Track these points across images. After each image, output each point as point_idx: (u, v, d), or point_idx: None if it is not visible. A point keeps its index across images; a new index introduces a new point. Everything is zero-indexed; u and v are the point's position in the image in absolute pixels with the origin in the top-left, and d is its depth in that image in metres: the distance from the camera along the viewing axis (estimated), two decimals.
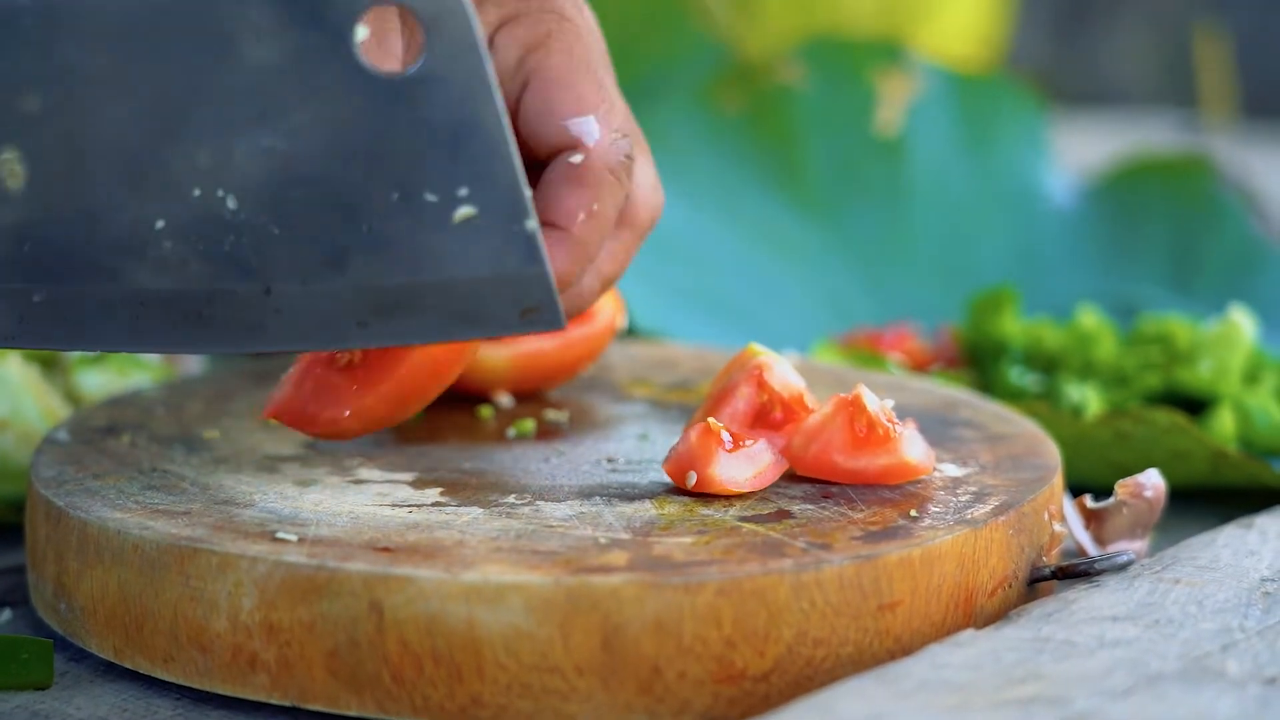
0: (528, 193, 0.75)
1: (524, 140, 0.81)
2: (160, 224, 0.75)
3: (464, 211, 0.75)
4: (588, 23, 0.80)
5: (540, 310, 0.76)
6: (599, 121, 0.81)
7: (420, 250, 0.75)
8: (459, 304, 0.76)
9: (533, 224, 0.75)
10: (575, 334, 0.95)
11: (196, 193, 0.74)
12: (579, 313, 0.83)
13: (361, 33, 0.73)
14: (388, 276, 0.75)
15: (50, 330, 0.77)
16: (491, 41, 0.79)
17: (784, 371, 0.86)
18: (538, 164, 0.81)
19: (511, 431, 0.91)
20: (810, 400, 0.85)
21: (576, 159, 0.79)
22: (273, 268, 0.75)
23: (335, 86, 0.73)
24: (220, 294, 0.76)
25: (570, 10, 0.79)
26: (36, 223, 0.75)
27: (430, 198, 0.74)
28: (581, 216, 0.79)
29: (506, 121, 0.74)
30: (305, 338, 0.77)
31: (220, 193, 0.74)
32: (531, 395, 0.96)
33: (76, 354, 1.09)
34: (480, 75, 0.73)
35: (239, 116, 0.73)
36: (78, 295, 0.76)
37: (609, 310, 0.97)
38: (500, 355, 0.94)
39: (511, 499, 0.82)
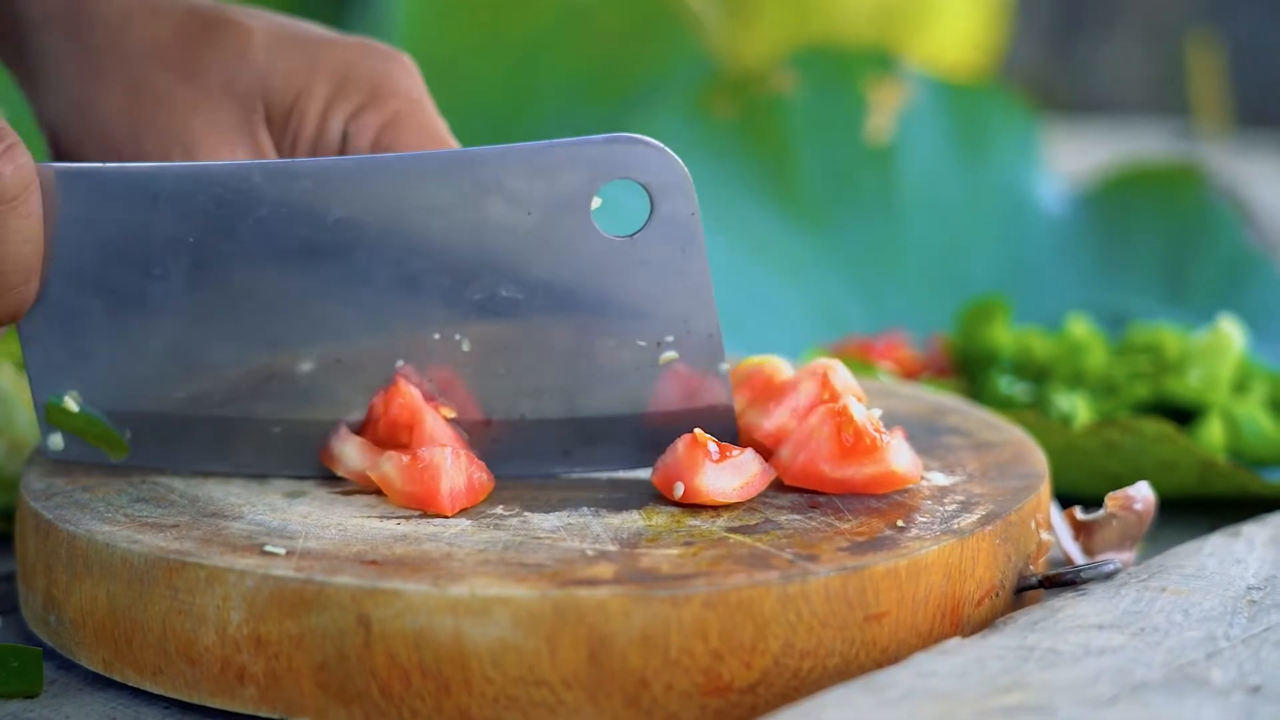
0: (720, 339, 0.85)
1: None
2: (400, 363, 0.84)
3: (668, 355, 0.84)
4: (431, 103, 0.87)
5: (723, 437, 0.85)
6: None
7: (627, 388, 0.85)
8: (653, 435, 0.85)
9: (725, 366, 0.85)
10: None
11: (436, 336, 0.83)
12: None
13: (596, 201, 0.82)
14: (595, 410, 0.85)
15: (294, 458, 0.85)
16: (346, 130, 0.86)
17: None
18: None
19: None
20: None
21: None
22: (494, 402, 0.84)
23: (570, 247, 0.83)
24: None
25: (416, 93, 0.86)
26: (284, 363, 0.84)
27: (640, 343, 0.84)
28: None
29: (709, 275, 0.84)
30: (514, 464, 0.86)
31: (457, 336, 0.83)
32: None
33: None
34: (694, 238, 0.83)
35: (483, 270, 0.83)
36: (318, 427, 0.85)
37: None
38: None
39: (499, 510, 0.82)
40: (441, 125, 0.87)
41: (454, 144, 0.87)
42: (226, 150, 0.85)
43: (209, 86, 0.86)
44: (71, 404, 0.84)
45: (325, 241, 0.82)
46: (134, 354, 0.83)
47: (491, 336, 0.84)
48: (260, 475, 0.85)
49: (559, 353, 0.84)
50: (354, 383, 0.84)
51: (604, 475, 0.86)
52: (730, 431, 0.85)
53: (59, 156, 0.88)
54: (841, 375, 0.86)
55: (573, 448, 0.86)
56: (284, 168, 0.82)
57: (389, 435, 0.84)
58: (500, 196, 0.82)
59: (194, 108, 0.86)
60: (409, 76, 0.87)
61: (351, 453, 0.84)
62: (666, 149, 0.82)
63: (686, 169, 0.82)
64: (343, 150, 0.86)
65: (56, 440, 0.85)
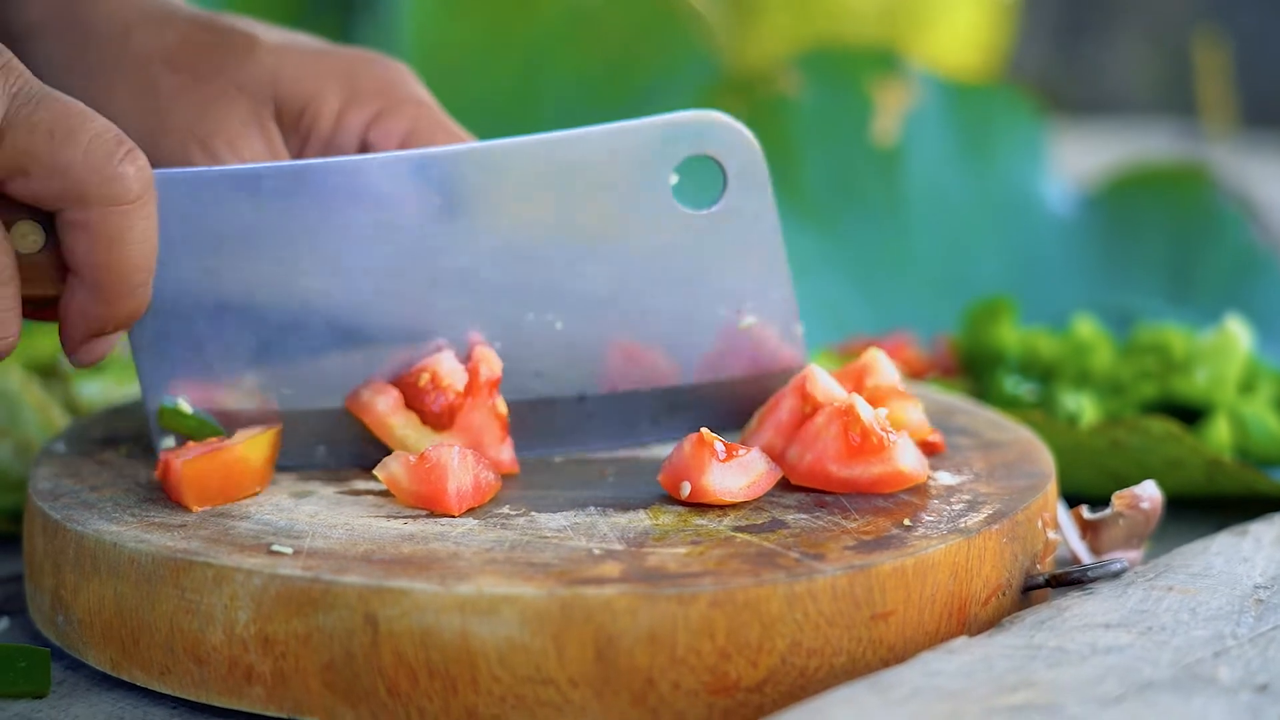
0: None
1: None
2: (497, 345, 0.87)
3: (748, 321, 0.88)
4: (436, 102, 0.90)
5: None
6: None
7: (711, 355, 0.88)
8: (736, 399, 0.89)
9: (800, 329, 0.89)
10: None
11: (530, 317, 0.86)
12: None
13: (674, 178, 0.86)
14: (683, 378, 0.88)
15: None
16: (366, 136, 0.88)
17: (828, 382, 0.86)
18: None
19: None
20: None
21: None
22: (587, 379, 0.88)
23: (653, 223, 0.87)
24: (542, 403, 0.88)
25: (424, 96, 0.90)
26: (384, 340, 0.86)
27: (721, 311, 0.88)
28: None
29: (782, 243, 0.88)
30: (609, 437, 0.89)
31: (549, 316, 0.86)
32: None
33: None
34: (767, 208, 0.87)
35: (575, 250, 0.86)
36: None
37: None
38: None
39: (506, 509, 0.82)
40: (456, 125, 0.89)
41: (474, 141, 0.88)
42: (244, 144, 0.86)
43: (220, 85, 0.87)
44: (185, 406, 0.85)
45: (419, 230, 0.85)
46: (237, 354, 0.85)
47: (584, 314, 0.87)
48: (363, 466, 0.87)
49: (648, 326, 0.87)
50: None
51: (605, 476, 0.86)
52: None
53: None
54: (821, 382, 0.86)
55: (661, 417, 0.89)
56: (390, 160, 0.84)
57: (430, 406, 0.85)
58: (583, 177, 0.85)
59: (207, 106, 0.86)
60: (414, 82, 0.90)
61: (383, 403, 0.85)
62: (740, 125, 0.86)
63: (757, 142, 0.86)
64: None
65: (169, 443, 0.85)
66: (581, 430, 0.88)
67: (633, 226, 0.86)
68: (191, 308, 0.84)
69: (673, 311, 0.88)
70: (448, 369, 0.85)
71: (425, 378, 0.85)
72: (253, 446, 0.83)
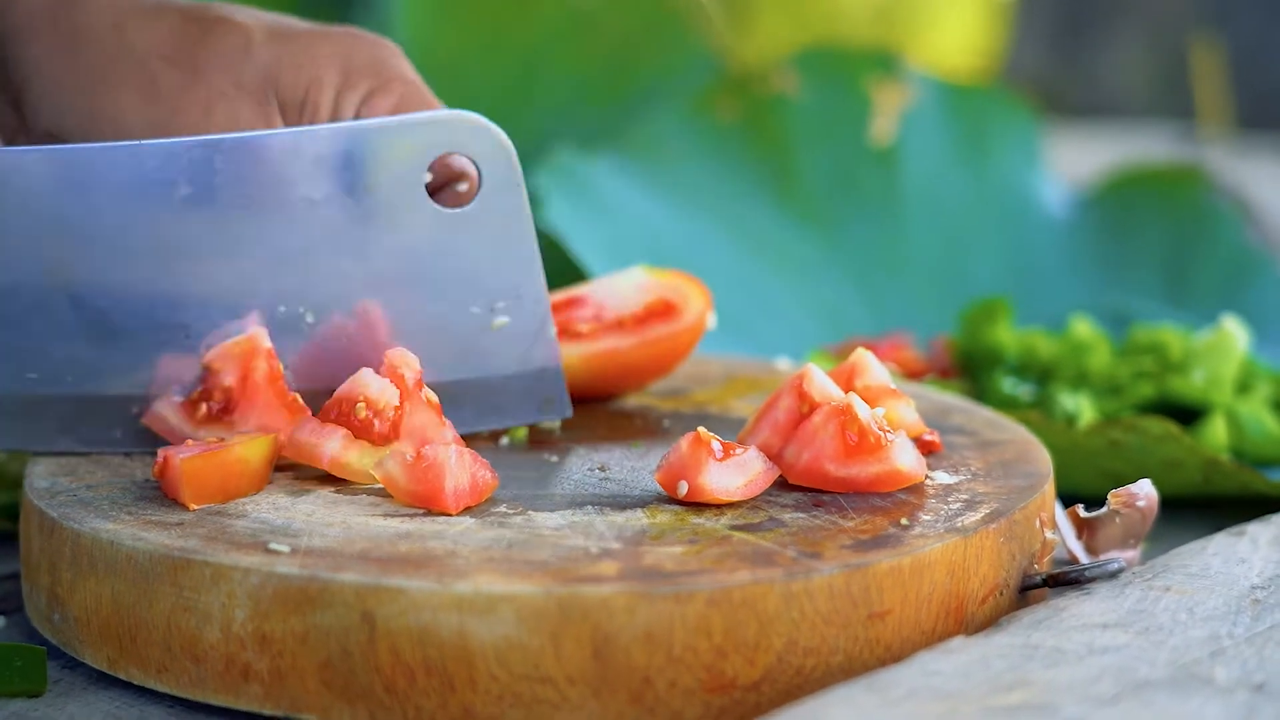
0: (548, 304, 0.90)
1: None
2: (251, 325, 0.87)
3: (500, 320, 0.89)
4: (422, 81, 0.91)
5: (555, 400, 0.91)
6: None
7: (464, 353, 0.89)
8: (492, 398, 0.90)
9: (553, 330, 0.90)
10: (656, 331, 0.96)
11: (282, 309, 0.87)
12: None
13: (427, 176, 0.87)
14: (436, 376, 0.88)
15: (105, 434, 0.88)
16: (358, 114, 0.89)
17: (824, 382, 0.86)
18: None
19: (505, 440, 0.91)
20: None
21: (463, 187, 0.89)
22: (339, 372, 0.87)
23: (406, 220, 0.87)
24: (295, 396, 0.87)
25: (411, 75, 0.91)
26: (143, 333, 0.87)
27: (475, 310, 0.89)
28: None
29: (536, 244, 0.89)
30: None
31: (301, 309, 0.87)
32: (608, 399, 0.97)
33: None
34: (520, 209, 0.88)
35: (325, 245, 0.87)
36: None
37: (696, 307, 0.96)
38: (573, 353, 0.94)
39: (503, 508, 0.82)
40: (441, 105, 0.90)
41: None
42: None
43: (220, 83, 0.87)
44: None
45: (176, 218, 0.86)
46: None
47: (333, 309, 0.88)
48: (123, 453, 0.88)
49: (401, 323, 0.88)
50: (196, 356, 0.87)
51: (608, 475, 0.86)
52: (560, 394, 0.91)
53: None
54: (818, 381, 0.85)
55: None
56: (131, 149, 0.85)
57: (221, 394, 0.86)
58: (339, 172, 0.86)
59: (213, 105, 0.87)
60: (401, 60, 0.91)
61: (171, 415, 0.86)
62: (491, 124, 0.87)
63: (510, 143, 0.87)
64: None
65: None
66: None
67: (386, 222, 0.87)
68: None
69: (426, 309, 0.88)
70: (376, 390, 0.85)
71: (362, 409, 0.85)
72: (252, 447, 0.83)
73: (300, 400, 0.87)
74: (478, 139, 0.87)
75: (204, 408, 0.86)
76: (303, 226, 0.86)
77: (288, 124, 0.88)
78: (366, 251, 0.87)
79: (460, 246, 0.88)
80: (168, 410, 0.87)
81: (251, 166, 0.86)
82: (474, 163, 0.87)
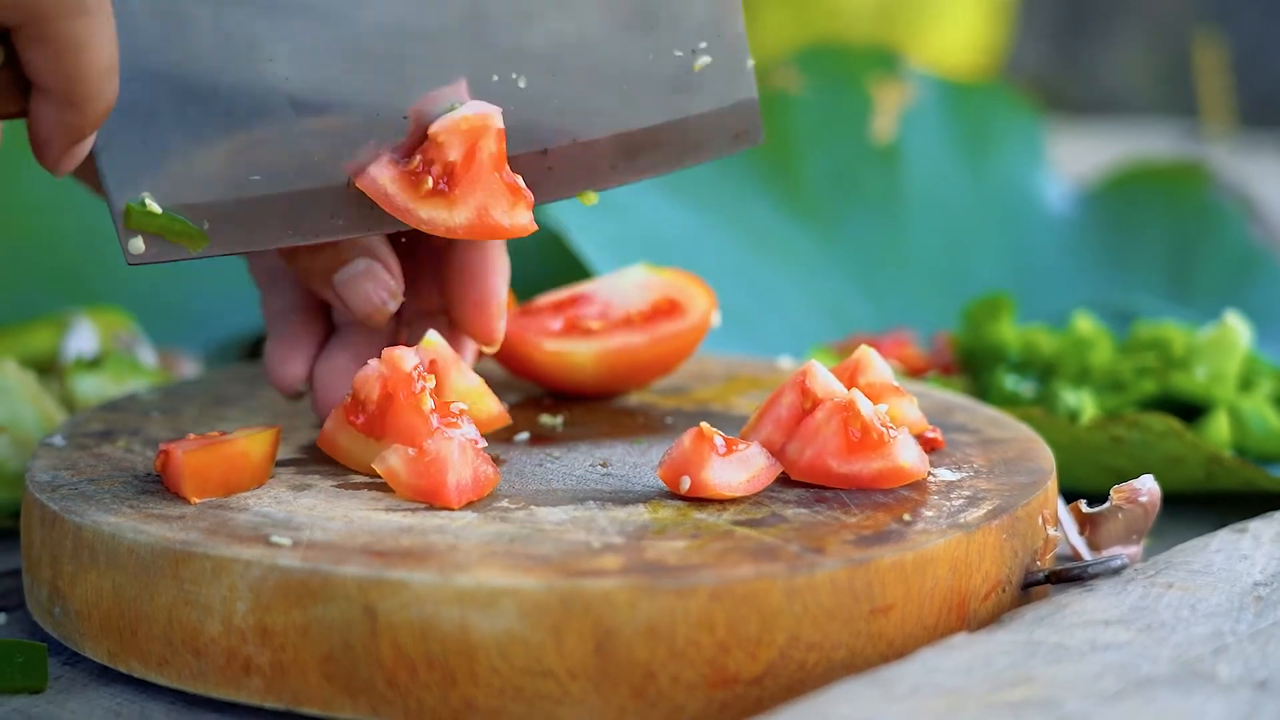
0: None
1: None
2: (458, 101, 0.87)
3: (702, 61, 0.90)
4: None
5: (749, 132, 0.92)
6: None
7: (667, 98, 0.90)
8: (691, 137, 0.91)
9: (750, 62, 0.91)
10: (663, 329, 0.96)
11: (495, 78, 0.87)
12: None
13: None
14: (639, 123, 0.90)
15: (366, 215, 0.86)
16: None
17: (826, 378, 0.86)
18: None
19: (522, 435, 0.91)
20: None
21: None
22: (549, 133, 0.89)
23: None
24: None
25: None
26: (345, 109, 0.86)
27: (678, 53, 0.90)
28: None
29: None
30: (570, 186, 0.90)
31: (514, 75, 0.88)
32: (612, 396, 0.97)
33: (73, 358, 1.09)
34: None
35: (532, 5, 0.88)
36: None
37: (701, 306, 0.97)
38: (585, 350, 0.94)
39: (505, 503, 0.82)
40: None
41: None
42: None
43: None
44: (152, 204, 0.83)
45: (380, 4, 0.85)
46: (204, 144, 0.83)
47: (545, 70, 0.88)
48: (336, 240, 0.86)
49: (603, 76, 0.89)
50: (403, 117, 0.86)
51: (610, 471, 0.86)
52: (755, 125, 0.92)
53: None
54: (821, 377, 0.85)
55: (619, 162, 0.90)
56: None
57: (442, 168, 0.85)
58: None
59: None
60: None
61: (387, 181, 0.85)
62: None
63: None
64: None
65: (137, 244, 0.83)
66: (542, 184, 0.89)
67: None
68: (152, 102, 0.83)
69: (630, 58, 0.89)
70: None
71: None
72: (254, 441, 0.83)
73: (521, 183, 0.86)
74: None
75: (429, 181, 0.85)
76: None
77: None
78: (568, 7, 0.88)
79: None
80: (383, 175, 0.85)
81: None
82: None
